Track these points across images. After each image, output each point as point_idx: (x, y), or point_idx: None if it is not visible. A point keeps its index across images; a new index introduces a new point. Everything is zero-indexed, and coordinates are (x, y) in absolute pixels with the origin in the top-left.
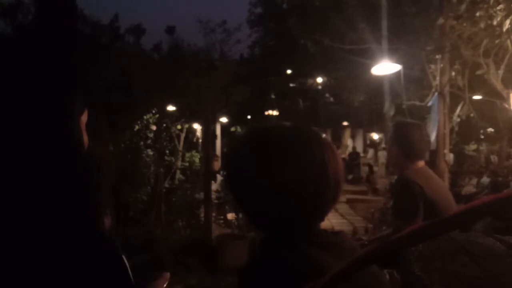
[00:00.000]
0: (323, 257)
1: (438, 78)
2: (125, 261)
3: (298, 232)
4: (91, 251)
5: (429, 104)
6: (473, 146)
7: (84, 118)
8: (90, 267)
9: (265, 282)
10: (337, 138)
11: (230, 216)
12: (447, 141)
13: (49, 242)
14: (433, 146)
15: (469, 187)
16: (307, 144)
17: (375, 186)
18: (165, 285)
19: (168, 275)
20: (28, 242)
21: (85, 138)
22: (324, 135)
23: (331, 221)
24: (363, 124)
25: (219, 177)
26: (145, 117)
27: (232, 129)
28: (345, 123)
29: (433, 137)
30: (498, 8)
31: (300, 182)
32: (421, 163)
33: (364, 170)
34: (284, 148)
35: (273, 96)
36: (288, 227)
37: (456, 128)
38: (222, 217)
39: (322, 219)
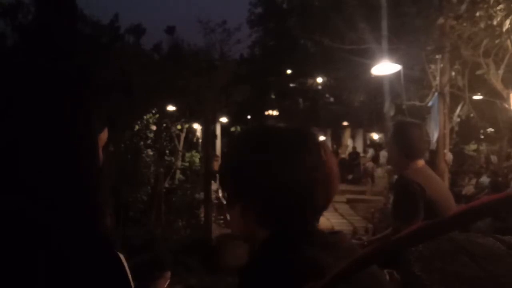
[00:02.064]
0: (323, 257)
1: (438, 78)
2: (125, 262)
3: (297, 232)
4: (89, 252)
5: (429, 104)
6: (473, 146)
7: (103, 135)
8: (89, 268)
9: (265, 282)
10: (337, 138)
11: None
12: (447, 141)
13: (48, 242)
14: (434, 146)
15: (469, 187)
16: (306, 145)
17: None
18: (166, 285)
19: (169, 274)
20: (27, 242)
21: (100, 155)
22: (320, 136)
23: (331, 221)
24: (363, 124)
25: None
26: (145, 117)
27: (232, 129)
28: (345, 123)
29: (435, 137)
30: (498, 8)
31: (299, 182)
32: (421, 163)
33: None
34: (284, 148)
35: (273, 96)
36: (287, 227)
37: (456, 128)
38: (222, 217)
39: (318, 219)
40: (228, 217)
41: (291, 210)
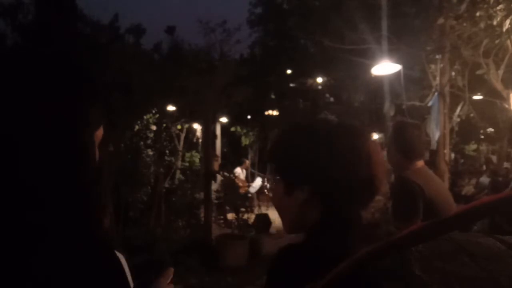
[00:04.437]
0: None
1: (438, 78)
2: (125, 262)
3: (343, 220)
4: (88, 253)
5: (429, 104)
6: (473, 146)
7: (99, 133)
8: (87, 269)
9: (301, 264)
10: None
11: (230, 216)
12: (447, 141)
13: (46, 243)
14: (435, 146)
15: (469, 187)
16: (357, 137)
17: None
18: (168, 281)
19: (171, 270)
20: (24, 243)
21: (97, 153)
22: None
23: None
24: (363, 124)
25: (219, 177)
26: (145, 117)
27: (232, 129)
28: None
29: (436, 137)
30: (498, 8)
31: (350, 173)
32: (421, 163)
33: None
34: (340, 140)
35: (273, 96)
36: (338, 212)
37: (456, 128)
38: (222, 217)
39: (364, 209)
40: (276, 200)
41: (339, 198)
